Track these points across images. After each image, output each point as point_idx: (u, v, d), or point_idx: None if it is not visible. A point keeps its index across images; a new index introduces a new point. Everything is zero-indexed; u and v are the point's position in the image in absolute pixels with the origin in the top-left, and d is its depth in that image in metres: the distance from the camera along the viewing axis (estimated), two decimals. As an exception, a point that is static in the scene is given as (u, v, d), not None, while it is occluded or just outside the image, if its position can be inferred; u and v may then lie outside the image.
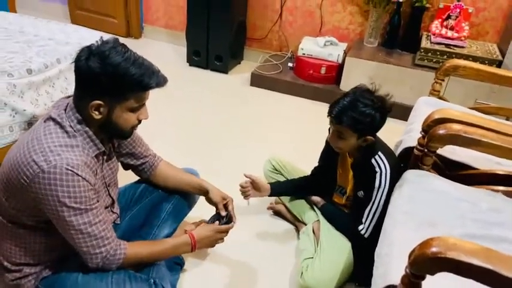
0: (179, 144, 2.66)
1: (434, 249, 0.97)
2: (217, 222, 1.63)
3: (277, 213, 2.12)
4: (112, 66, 1.21)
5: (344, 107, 1.57)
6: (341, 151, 1.75)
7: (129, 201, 1.73)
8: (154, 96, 1.39)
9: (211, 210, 1.69)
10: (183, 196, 1.77)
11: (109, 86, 1.24)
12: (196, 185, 1.73)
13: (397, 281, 1.11)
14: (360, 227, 1.69)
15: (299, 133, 2.82)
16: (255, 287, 1.72)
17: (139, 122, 1.38)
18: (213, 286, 1.71)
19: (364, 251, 1.65)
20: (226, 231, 1.62)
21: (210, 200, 1.71)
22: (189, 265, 1.78)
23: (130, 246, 1.40)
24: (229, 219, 1.66)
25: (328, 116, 1.64)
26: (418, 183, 1.54)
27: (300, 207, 1.99)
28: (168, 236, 1.72)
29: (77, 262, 1.38)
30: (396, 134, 2.08)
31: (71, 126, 1.30)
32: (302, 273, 1.66)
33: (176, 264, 1.71)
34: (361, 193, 1.72)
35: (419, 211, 1.42)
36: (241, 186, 1.88)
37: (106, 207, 1.51)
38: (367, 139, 1.63)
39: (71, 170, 1.23)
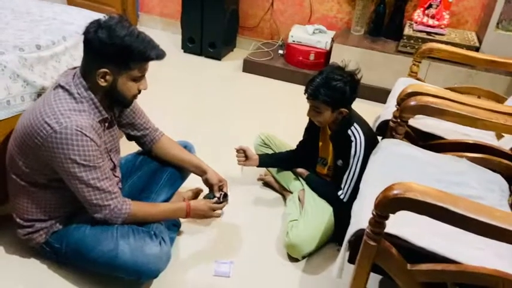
0: (174, 126, 2.81)
1: (395, 191, 1.15)
2: (213, 199, 1.77)
3: (266, 184, 2.29)
4: (119, 38, 1.37)
5: (318, 84, 1.75)
6: (320, 125, 1.93)
7: (129, 169, 1.89)
8: (150, 80, 1.54)
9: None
10: (177, 169, 1.93)
11: (115, 56, 1.39)
12: (196, 164, 1.88)
13: (366, 225, 1.28)
14: (339, 193, 1.86)
15: (289, 114, 2.99)
16: (245, 246, 1.89)
17: (139, 91, 1.54)
18: (206, 245, 1.87)
19: (344, 214, 1.82)
20: (219, 209, 1.79)
21: (206, 181, 1.88)
22: (185, 227, 1.94)
23: (134, 204, 1.57)
24: (223, 199, 1.82)
25: (304, 93, 1.82)
26: (391, 150, 1.71)
27: (286, 177, 2.16)
28: (165, 201, 1.88)
29: (85, 217, 1.55)
30: (376, 113, 2.25)
31: (78, 93, 1.45)
32: (288, 232, 1.83)
33: (173, 226, 1.87)
34: (340, 162, 1.89)
35: (390, 173, 1.59)
36: (237, 152, 2.08)
37: None
38: (342, 111, 1.81)
39: (80, 131, 1.39)
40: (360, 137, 1.81)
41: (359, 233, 1.32)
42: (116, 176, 1.73)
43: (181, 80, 3.39)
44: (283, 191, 2.20)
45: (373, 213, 1.22)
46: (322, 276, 1.78)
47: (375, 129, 2.01)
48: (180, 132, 2.57)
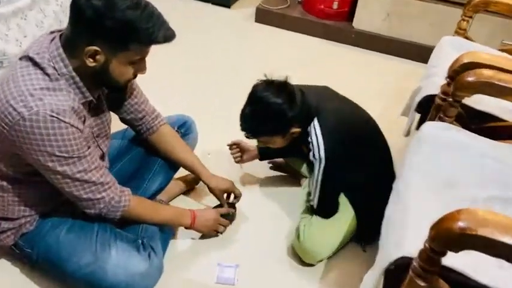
0: (176, 83, 2.47)
1: (462, 225, 0.81)
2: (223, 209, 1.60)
3: (277, 167, 1.97)
4: (120, 11, 1.03)
5: (248, 120, 1.47)
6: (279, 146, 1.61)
7: (117, 151, 1.58)
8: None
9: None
10: None
11: (112, 33, 1.05)
12: (196, 171, 1.59)
13: (412, 252, 0.97)
14: (310, 198, 1.56)
15: (305, 75, 2.59)
16: (252, 246, 1.61)
17: (135, 76, 1.22)
18: (207, 245, 1.59)
19: (370, 211, 1.51)
20: (225, 225, 1.56)
21: (211, 190, 1.60)
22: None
23: (133, 196, 1.31)
24: (231, 216, 1.60)
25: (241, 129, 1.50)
26: (439, 138, 1.35)
27: (298, 161, 1.84)
28: (160, 189, 1.60)
29: (64, 214, 1.29)
30: (412, 78, 1.86)
31: (54, 68, 1.11)
32: (299, 233, 1.53)
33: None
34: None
35: (438, 170, 1.25)
36: (229, 149, 1.78)
37: None
38: (293, 132, 1.48)
39: (56, 117, 1.08)
40: (317, 142, 1.44)
41: (401, 262, 1.01)
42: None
43: (185, 31, 2.94)
44: (296, 175, 1.88)
45: (426, 245, 0.89)
46: (342, 284, 1.50)
47: (414, 107, 1.63)
48: (179, 98, 2.28)
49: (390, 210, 1.21)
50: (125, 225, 1.37)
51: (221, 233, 1.58)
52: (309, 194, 1.61)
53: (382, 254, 1.10)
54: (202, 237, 1.59)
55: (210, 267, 1.50)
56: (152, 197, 1.57)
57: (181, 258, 1.53)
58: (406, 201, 1.16)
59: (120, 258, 1.21)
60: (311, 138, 1.45)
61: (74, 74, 1.13)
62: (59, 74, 1.12)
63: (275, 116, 1.42)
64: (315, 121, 1.46)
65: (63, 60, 1.12)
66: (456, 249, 0.85)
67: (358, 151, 1.49)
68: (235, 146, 1.78)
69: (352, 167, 1.48)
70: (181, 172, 1.74)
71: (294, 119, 1.44)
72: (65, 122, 1.10)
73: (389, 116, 2.07)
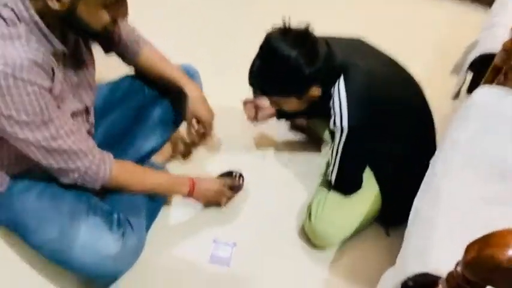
0: (183, 32, 2.20)
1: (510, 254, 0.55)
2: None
3: (297, 128, 1.71)
4: None
5: (256, 75, 1.22)
6: (293, 111, 1.34)
7: (107, 103, 1.37)
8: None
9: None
10: (177, 98, 1.39)
11: None
12: (173, 80, 1.33)
13: (438, 269, 0.73)
14: (328, 170, 1.32)
15: (334, 22, 2.24)
16: (255, 223, 1.40)
17: (115, 21, 1.00)
18: (202, 218, 1.40)
19: (398, 189, 1.29)
20: (229, 197, 1.39)
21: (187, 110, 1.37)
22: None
23: (118, 163, 1.12)
24: (237, 186, 1.42)
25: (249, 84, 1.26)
26: (494, 109, 1.05)
27: (321, 123, 1.57)
28: (155, 150, 1.40)
29: (37, 175, 1.12)
30: (468, 27, 1.49)
31: (12, 9, 0.90)
32: (310, 212, 1.30)
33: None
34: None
35: (487, 155, 0.96)
36: (244, 107, 1.53)
37: (76, 115, 1.17)
38: (313, 94, 1.21)
39: (11, 74, 0.88)
40: (340, 108, 1.17)
41: (422, 280, 0.77)
42: (88, 123, 1.24)
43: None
44: (319, 140, 1.62)
45: (457, 270, 0.64)
46: (357, 274, 1.28)
47: (467, 65, 1.30)
48: (185, 48, 1.99)
49: (419, 201, 0.96)
50: (107, 193, 1.19)
51: (225, 204, 1.39)
52: (328, 165, 1.36)
53: (404, 258, 0.86)
54: (200, 207, 1.40)
55: (205, 244, 1.32)
56: (145, 158, 1.38)
57: (172, 230, 1.35)
58: (438, 194, 0.90)
59: (88, 237, 1.03)
60: (333, 103, 1.18)
61: (36, 18, 0.92)
62: (18, 19, 0.91)
63: (289, 73, 1.15)
64: (341, 81, 1.19)
65: (24, 2, 0.90)
66: (496, 284, 0.60)
67: (391, 119, 1.22)
68: (249, 103, 1.53)
69: (382, 138, 1.21)
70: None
71: (314, 77, 1.17)
72: (22, 79, 0.89)
73: (436, 74, 1.73)
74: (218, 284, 1.23)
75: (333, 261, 1.30)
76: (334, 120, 1.17)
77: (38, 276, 1.19)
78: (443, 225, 0.80)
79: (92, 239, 1.03)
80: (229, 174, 1.43)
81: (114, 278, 1.12)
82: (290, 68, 1.14)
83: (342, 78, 1.18)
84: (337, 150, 1.20)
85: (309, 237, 1.32)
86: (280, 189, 1.50)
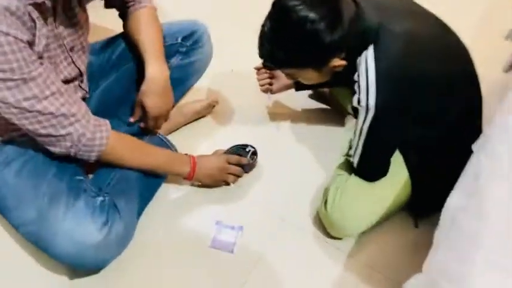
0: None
1: None
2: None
3: (319, 97, 1.52)
4: None
5: (266, 42, 1.00)
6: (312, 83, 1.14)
7: (103, 65, 1.22)
8: None
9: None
10: (187, 54, 1.25)
11: None
12: (142, 53, 1.15)
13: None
14: (350, 153, 1.13)
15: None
16: (264, 204, 1.26)
17: None
18: (206, 196, 1.26)
19: (431, 176, 1.11)
20: (237, 175, 1.24)
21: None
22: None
23: (115, 133, 1.01)
24: (250, 157, 1.27)
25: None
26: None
27: (346, 92, 1.37)
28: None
29: (17, 149, 1.01)
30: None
31: None
32: (327, 197, 1.14)
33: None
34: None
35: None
36: (257, 74, 1.33)
37: (68, 81, 1.03)
38: (336, 65, 0.99)
39: None
40: (366, 81, 0.95)
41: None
42: (81, 89, 1.10)
43: None
44: (342, 111, 1.43)
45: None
46: (376, 271, 1.12)
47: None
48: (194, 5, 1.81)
49: (456, 204, 0.78)
50: (97, 169, 1.07)
51: (233, 182, 1.24)
52: (350, 145, 1.18)
53: (433, 280, 0.70)
54: (206, 186, 1.26)
55: (206, 226, 1.18)
56: (144, 129, 1.24)
57: (169, 210, 1.22)
58: (483, 201, 0.71)
59: (67, 223, 0.91)
60: (359, 77, 0.97)
61: None
62: None
63: (305, 40, 0.94)
64: (369, 51, 0.96)
65: None
66: None
67: (429, 99, 1.01)
68: (264, 70, 1.34)
69: (416, 120, 1.01)
70: (189, 96, 1.38)
71: (336, 46, 0.95)
72: None
73: (486, 39, 1.47)
74: (219, 272, 1.10)
75: (350, 254, 1.15)
76: (359, 98, 0.97)
77: (23, 254, 1.10)
78: (490, 245, 0.63)
79: (71, 224, 0.91)
80: (242, 148, 1.28)
81: (96, 268, 1.01)
82: (306, 34, 0.92)
83: (371, 47, 0.97)
84: (361, 131, 1.02)
85: (324, 226, 1.17)
86: (295, 166, 1.34)
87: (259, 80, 1.35)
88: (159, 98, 1.13)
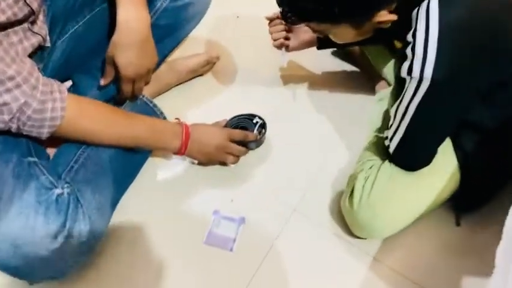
0: None
1: None
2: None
3: (344, 55, 1.23)
4: None
5: None
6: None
7: (70, 4, 0.94)
8: None
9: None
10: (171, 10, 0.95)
11: None
12: None
13: None
14: (386, 134, 0.88)
15: None
16: (275, 192, 1.02)
17: None
18: (203, 180, 1.02)
19: (484, 167, 0.88)
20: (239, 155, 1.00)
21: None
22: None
23: (76, 100, 0.77)
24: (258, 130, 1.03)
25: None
26: None
27: (379, 52, 1.09)
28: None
29: None
30: None
31: None
32: (353, 190, 0.90)
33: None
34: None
35: None
36: (269, 25, 1.05)
37: (13, 24, 0.76)
38: (380, 22, 0.75)
39: None
40: (425, 49, 0.70)
41: None
42: (34, 33, 0.83)
43: None
44: (372, 73, 1.16)
45: None
46: (408, 273, 0.91)
47: None
48: None
49: None
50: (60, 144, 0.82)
51: (232, 164, 1.00)
52: (385, 122, 0.93)
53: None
54: (200, 164, 1.02)
55: (201, 216, 0.95)
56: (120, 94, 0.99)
57: (154, 194, 0.99)
58: None
59: (11, 224, 0.66)
60: (414, 37, 0.71)
61: None
62: None
63: None
64: (432, 3, 0.70)
65: None
66: None
67: (501, 72, 0.75)
68: (279, 21, 1.05)
69: (482, 93, 0.76)
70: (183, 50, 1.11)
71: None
72: None
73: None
74: (213, 275, 0.89)
75: (376, 257, 0.93)
76: (411, 65, 0.71)
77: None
78: None
79: (15, 227, 0.67)
80: (247, 119, 1.03)
81: (52, 280, 0.78)
82: None
83: (434, 2, 0.70)
84: (406, 109, 0.77)
85: (347, 224, 0.94)
86: (312, 145, 1.09)
87: (272, 32, 1.06)
88: (135, 53, 0.86)
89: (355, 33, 0.78)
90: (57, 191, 0.71)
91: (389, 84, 1.10)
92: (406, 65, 0.73)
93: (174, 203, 0.98)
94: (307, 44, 1.07)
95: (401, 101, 0.79)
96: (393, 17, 0.72)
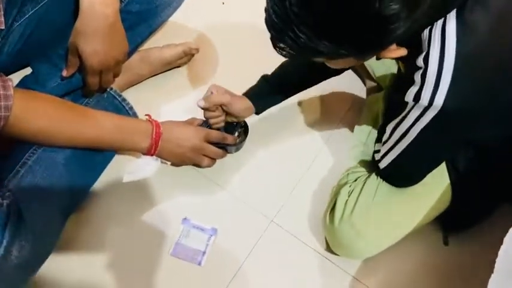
0: None
1: None
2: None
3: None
4: None
5: (304, 26, 0.54)
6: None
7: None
8: None
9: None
10: None
11: None
12: None
13: None
14: (377, 148, 0.82)
15: None
16: (250, 200, 0.94)
17: None
18: (173, 178, 0.94)
19: (476, 185, 0.83)
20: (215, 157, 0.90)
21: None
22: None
23: (26, 95, 0.67)
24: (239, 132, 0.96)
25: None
26: None
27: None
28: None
29: None
30: None
31: None
32: (333, 208, 0.82)
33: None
34: (396, 97, 0.72)
35: None
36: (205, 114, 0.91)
37: None
38: (389, 56, 0.62)
39: None
40: (438, 76, 0.59)
41: None
42: None
43: None
44: (364, 76, 1.07)
45: None
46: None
47: None
48: None
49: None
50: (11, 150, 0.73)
51: (207, 167, 0.91)
52: (379, 134, 0.85)
53: None
54: (173, 165, 0.94)
55: (169, 224, 0.87)
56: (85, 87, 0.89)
57: (117, 197, 0.90)
58: None
59: None
60: (426, 61, 0.61)
61: None
62: None
63: (357, 16, 0.52)
64: (450, 24, 0.59)
65: None
66: None
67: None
68: (213, 107, 0.90)
69: (484, 125, 0.67)
70: (159, 39, 1.01)
71: (403, 32, 0.54)
72: None
73: None
74: (179, 290, 0.82)
75: (357, 276, 0.86)
76: (420, 92, 0.62)
77: None
78: None
79: None
80: (227, 121, 0.93)
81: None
82: (361, 7, 0.51)
83: (453, 17, 0.59)
84: (407, 131, 0.68)
85: (328, 241, 0.87)
86: (295, 153, 1.00)
87: (209, 118, 0.91)
88: (101, 41, 0.76)
89: (356, 62, 0.69)
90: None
91: (378, 85, 1.02)
92: (413, 90, 0.63)
93: (141, 208, 0.89)
94: (246, 112, 0.93)
95: (400, 122, 0.70)
96: (403, 52, 0.62)
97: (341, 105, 1.07)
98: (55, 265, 0.77)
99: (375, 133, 0.91)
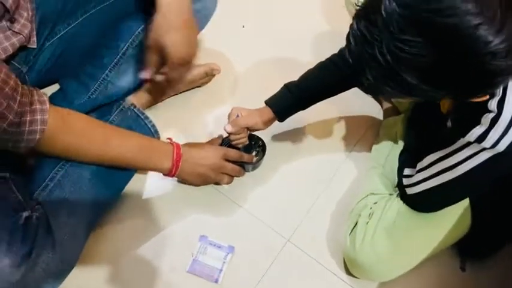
0: None
1: None
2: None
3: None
4: None
5: (405, 65, 0.52)
6: None
7: (60, 6, 0.87)
8: None
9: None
10: None
11: None
12: None
13: None
14: (408, 172, 0.80)
15: None
16: (271, 218, 0.95)
17: None
18: (191, 196, 0.95)
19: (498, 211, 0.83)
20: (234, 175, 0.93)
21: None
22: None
23: (58, 113, 0.68)
24: (257, 150, 0.97)
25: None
26: None
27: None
28: (130, 91, 0.93)
29: None
30: None
31: None
32: (353, 232, 0.83)
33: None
34: (450, 123, 0.72)
35: None
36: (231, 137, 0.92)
37: None
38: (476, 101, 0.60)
39: None
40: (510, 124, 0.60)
41: None
42: (14, 33, 0.77)
43: None
44: (384, 100, 1.09)
45: None
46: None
47: None
48: None
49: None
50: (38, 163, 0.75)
51: (227, 184, 0.93)
52: (409, 159, 0.83)
53: None
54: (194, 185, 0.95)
55: (186, 241, 0.88)
56: (117, 100, 0.92)
57: (135, 213, 0.91)
58: None
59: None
60: (500, 108, 0.60)
61: None
62: None
63: (471, 69, 0.52)
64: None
65: None
66: None
67: None
68: (240, 130, 0.91)
69: None
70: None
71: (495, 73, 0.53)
72: None
73: None
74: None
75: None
76: (486, 134, 0.62)
77: None
78: None
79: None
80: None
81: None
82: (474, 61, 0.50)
83: None
84: (453, 167, 0.69)
85: (344, 261, 0.87)
86: (312, 173, 1.00)
87: (234, 140, 0.93)
88: (183, 33, 0.77)
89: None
90: (25, 214, 0.63)
91: (394, 106, 1.04)
92: (477, 131, 0.63)
93: (158, 224, 0.90)
94: (268, 125, 0.94)
95: (447, 156, 0.71)
96: (486, 97, 0.61)
97: (358, 127, 1.07)
98: (74, 279, 0.78)
99: (393, 155, 0.92)
